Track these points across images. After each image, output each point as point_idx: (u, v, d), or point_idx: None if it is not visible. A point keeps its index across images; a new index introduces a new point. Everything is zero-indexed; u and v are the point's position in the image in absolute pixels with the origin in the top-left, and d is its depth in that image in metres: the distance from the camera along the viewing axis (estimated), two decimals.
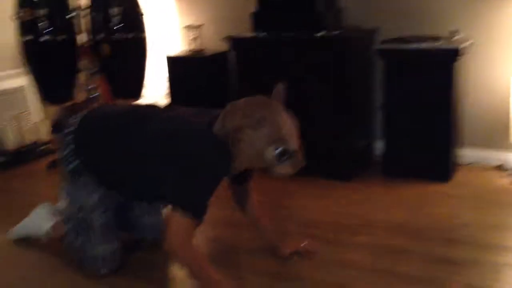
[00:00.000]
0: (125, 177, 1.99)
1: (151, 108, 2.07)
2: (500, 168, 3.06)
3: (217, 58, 3.67)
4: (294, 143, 1.76)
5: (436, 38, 2.89)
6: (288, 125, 1.76)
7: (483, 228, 2.37)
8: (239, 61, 3.26)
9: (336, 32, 2.99)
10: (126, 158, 1.94)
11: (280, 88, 1.84)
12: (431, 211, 2.57)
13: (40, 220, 2.35)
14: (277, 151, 1.72)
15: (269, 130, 1.71)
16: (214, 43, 3.70)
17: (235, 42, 3.26)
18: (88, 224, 2.04)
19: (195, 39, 3.68)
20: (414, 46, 2.86)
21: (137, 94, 3.59)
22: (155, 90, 4.10)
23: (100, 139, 2.01)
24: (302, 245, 2.19)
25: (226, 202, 2.17)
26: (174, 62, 3.67)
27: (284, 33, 3.07)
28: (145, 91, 3.64)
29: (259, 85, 3.07)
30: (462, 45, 2.78)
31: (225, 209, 2.35)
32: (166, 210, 1.81)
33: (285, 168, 1.77)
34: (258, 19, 3.15)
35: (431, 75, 2.85)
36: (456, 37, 2.89)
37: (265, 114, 1.71)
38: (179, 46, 3.93)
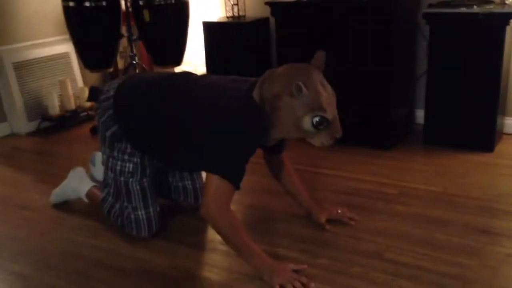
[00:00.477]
0: (163, 144, 2.00)
1: (188, 75, 2.07)
2: None
3: (258, 25, 3.62)
4: (332, 112, 1.72)
5: (486, 2, 2.77)
6: (327, 93, 1.72)
7: None
8: (279, 27, 3.21)
9: None
10: (164, 125, 1.94)
11: (320, 55, 1.80)
12: (472, 181, 2.51)
13: (76, 183, 2.41)
14: (315, 119, 1.69)
15: (308, 98, 1.68)
16: (255, 9, 3.66)
17: (275, 7, 3.21)
18: (127, 189, 2.08)
19: (235, 4, 3.64)
20: (464, 9, 2.74)
21: (178, 61, 3.59)
22: (195, 57, 4.11)
23: (139, 106, 2.01)
24: (338, 212, 2.18)
25: (264, 169, 2.18)
26: (212, 29, 3.65)
27: None
28: (185, 58, 3.64)
29: (299, 52, 3.04)
30: None
31: (263, 176, 2.36)
32: (205, 176, 1.81)
33: (322, 138, 1.75)
34: None
35: (481, 40, 2.73)
36: (508, 1, 2.76)
37: (304, 81, 1.67)
38: (219, 12, 3.90)
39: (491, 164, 2.69)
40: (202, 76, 2.05)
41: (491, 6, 2.71)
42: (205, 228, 2.20)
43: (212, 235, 2.12)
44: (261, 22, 3.62)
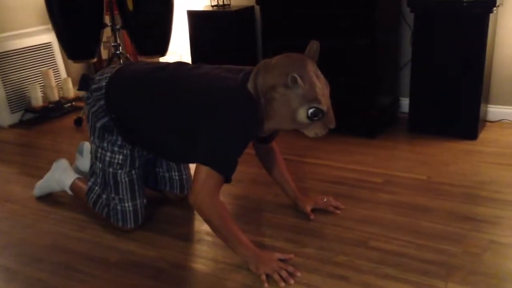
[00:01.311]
0: (156, 136, 1.97)
1: (181, 65, 2.02)
2: None
3: (243, 14, 3.60)
4: (326, 103, 1.72)
5: None
6: (321, 84, 1.72)
7: (508, 185, 2.33)
8: (264, 16, 3.19)
9: None
10: (157, 117, 1.91)
11: (314, 45, 1.79)
12: (456, 169, 2.53)
13: (60, 175, 2.38)
14: (310, 111, 1.69)
15: (303, 89, 1.67)
16: None
17: None
18: (115, 180, 2.06)
19: None
20: None
21: (162, 50, 3.56)
22: (180, 47, 4.08)
23: (131, 97, 1.97)
24: (324, 201, 2.19)
25: (250, 159, 2.18)
26: (197, 18, 3.62)
27: None
28: (170, 48, 3.60)
29: (284, 41, 3.02)
30: None
31: (249, 167, 2.36)
32: (195, 166, 1.80)
33: (317, 129, 1.75)
34: None
35: (465, 28, 2.74)
36: None
37: (299, 72, 1.67)
38: (204, 1, 3.87)
39: (475, 152, 2.72)
40: (196, 66, 2.00)
41: None
42: (191, 219, 2.20)
43: (198, 226, 2.12)
44: (246, 11, 3.60)
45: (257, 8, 3.37)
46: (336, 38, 2.93)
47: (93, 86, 2.05)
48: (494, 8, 2.65)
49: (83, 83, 2.09)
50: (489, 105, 3.10)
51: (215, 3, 3.63)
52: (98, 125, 2.04)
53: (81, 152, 2.53)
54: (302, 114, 1.70)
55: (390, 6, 3.03)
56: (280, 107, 1.71)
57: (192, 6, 3.79)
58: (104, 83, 2.02)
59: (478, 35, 2.72)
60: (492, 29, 2.79)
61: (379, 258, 1.85)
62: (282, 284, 1.73)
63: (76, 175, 2.37)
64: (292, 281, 1.74)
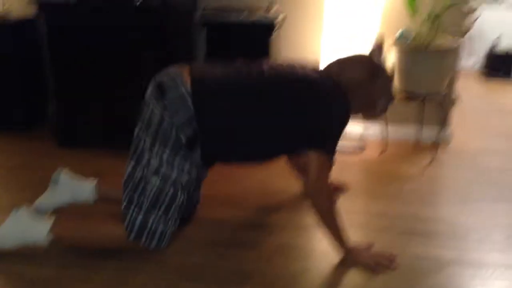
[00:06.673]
0: (262, 140, 1.92)
1: (259, 67, 1.93)
2: None
3: (24, 25, 3.11)
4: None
5: (254, 10, 2.94)
6: (391, 79, 2.08)
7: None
8: (49, 30, 2.85)
9: None
10: (267, 121, 1.87)
11: (378, 46, 2.10)
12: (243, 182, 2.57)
13: (28, 225, 1.81)
14: (388, 102, 2.05)
15: (382, 83, 2.01)
16: (21, 7, 3.18)
17: (42, 6, 2.83)
18: (171, 202, 1.84)
19: None
20: (232, 17, 2.87)
21: None
22: None
23: (229, 108, 1.83)
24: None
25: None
26: None
27: None
28: None
29: (72, 56, 2.86)
30: (276, 19, 2.86)
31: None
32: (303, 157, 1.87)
33: (381, 115, 2.18)
34: None
35: (249, 48, 2.89)
36: (272, 10, 2.97)
37: (379, 68, 2.00)
38: None
39: None
40: (270, 66, 1.94)
41: (257, 15, 2.87)
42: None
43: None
44: (27, 23, 3.14)
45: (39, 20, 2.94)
46: (128, 54, 2.86)
47: (172, 94, 1.79)
48: (273, 31, 2.85)
49: (160, 91, 1.79)
50: None
51: None
52: (182, 137, 1.79)
53: (56, 181, 1.96)
54: (380, 104, 2.04)
55: (184, 20, 3.07)
56: (364, 98, 2.00)
57: None
58: (184, 90, 1.79)
59: (262, 55, 2.87)
60: (274, 48, 2.95)
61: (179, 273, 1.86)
62: (381, 271, 1.86)
63: (50, 221, 1.84)
64: (394, 266, 1.88)
